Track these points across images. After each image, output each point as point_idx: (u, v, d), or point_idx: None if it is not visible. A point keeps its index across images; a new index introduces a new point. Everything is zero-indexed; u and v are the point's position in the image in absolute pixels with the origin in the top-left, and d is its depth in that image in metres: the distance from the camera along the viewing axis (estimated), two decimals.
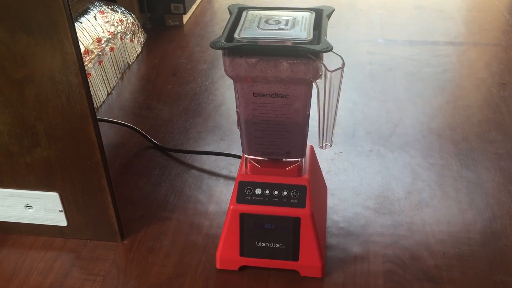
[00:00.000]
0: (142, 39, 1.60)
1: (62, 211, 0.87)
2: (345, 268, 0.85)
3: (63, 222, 0.89)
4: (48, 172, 0.83)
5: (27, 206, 0.88)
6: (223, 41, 0.69)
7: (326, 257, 0.86)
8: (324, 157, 1.10)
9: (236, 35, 0.70)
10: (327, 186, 0.99)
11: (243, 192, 0.81)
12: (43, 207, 0.87)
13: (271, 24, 0.72)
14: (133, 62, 1.52)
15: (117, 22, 1.42)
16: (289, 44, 0.68)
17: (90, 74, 1.26)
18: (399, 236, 0.90)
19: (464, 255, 0.86)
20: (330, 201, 0.98)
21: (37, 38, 0.70)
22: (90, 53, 1.27)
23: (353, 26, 1.73)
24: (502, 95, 1.30)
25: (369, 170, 1.06)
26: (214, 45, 0.68)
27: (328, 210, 0.96)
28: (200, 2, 1.93)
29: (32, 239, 0.91)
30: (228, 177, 1.06)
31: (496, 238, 0.89)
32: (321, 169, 1.02)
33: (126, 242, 0.91)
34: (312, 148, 0.88)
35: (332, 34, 1.66)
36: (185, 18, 1.77)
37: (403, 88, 1.35)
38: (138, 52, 1.56)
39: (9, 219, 0.90)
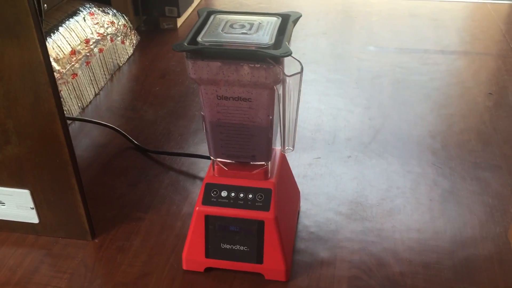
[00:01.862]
0: (134, 41, 1.61)
1: (33, 208, 0.88)
2: (311, 273, 0.85)
3: (35, 219, 0.90)
4: (19, 169, 0.84)
5: (0, 202, 0.89)
6: (186, 44, 0.70)
7: (293, 261, 0.87)
8: (302, 162, 1.10)
9: (199, 39, 0.71)
10: (300, 190, 0.99)
11: (209, 194, 0.82)
12: (15, 204, 0.88)
13: (235, 29, 0.73)
14: (123, 63, 1.53)
15: (108, 24, 1.44)
16: (250, 48, 0.69)
17: (76, 74, 1.27)
18: (368, 242, 0.90)
19: (431, 263, 0.86)
20: (303, 206, 0.99)
21: (4, 38, 0.71)
22: (77, 54, 1.29)
23: (346, 32, 1.74)
24: (487, 105, 1.30)
25: (345, 176, 1.06)
26: (176, 48, 0.69)
27: (301, 214, 0.97)
28: (196, 6, 1.94)
29: (5, 235, 0.93)
30: None
31: (464, 247, 0.89)
32: (298, 174, 1.03)
33: (97, 240, 0.92)
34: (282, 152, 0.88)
35: (323, 40, 1.66)
36: (180, 21, 1.79)
37: (388, 95, 1.35)
38: (130, 54, 1.58)
39: None
